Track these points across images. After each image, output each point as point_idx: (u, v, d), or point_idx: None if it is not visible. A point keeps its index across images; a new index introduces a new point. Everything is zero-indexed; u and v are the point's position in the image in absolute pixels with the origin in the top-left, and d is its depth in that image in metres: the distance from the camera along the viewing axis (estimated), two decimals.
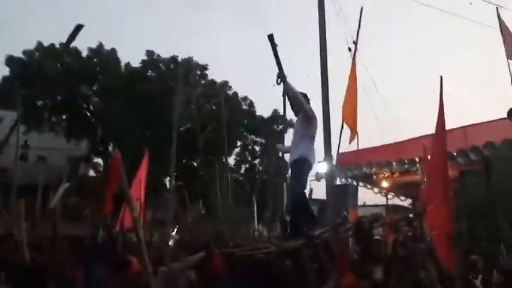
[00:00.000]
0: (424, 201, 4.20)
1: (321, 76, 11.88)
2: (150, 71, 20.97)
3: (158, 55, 21.06)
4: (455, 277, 2.51)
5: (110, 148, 21.43)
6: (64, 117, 21.11)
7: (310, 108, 5.29)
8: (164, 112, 16.36)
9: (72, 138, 21.00)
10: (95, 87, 21.20)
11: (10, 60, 19.80)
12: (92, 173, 23.08)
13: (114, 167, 3.99)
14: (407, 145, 10.36)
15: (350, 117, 6.92)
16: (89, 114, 21.48)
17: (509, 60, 9.63)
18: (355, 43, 8.29)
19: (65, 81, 19.43)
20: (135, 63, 20.96)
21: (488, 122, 9.66)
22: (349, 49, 11.69)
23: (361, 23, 7.61)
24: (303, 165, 5.09)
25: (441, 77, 4.34)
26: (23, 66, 19.75)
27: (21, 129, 19.92)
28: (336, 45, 12.73)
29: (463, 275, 3.04)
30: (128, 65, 21.23)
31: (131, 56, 22.32)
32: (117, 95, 19.07)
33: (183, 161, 21.57)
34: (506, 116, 8.66)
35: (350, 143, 6.87)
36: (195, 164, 22.38)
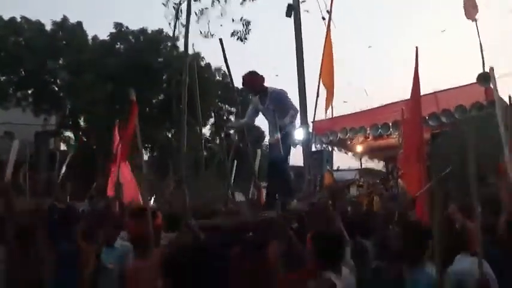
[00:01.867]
0: (401, 163, 4.29)
1: (296, 41, 11.75)
2: (118, 44, 20.37)
3: (127, 27, 20.44)
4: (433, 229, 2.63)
5: (81, 121, 20.94)
6: (30, 92, 20.38)
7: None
8: (134, 85, 15.96)
9: (40, 113, 20.35)
10: (61, 62, 20.46)
11: None
12: (63, 147, 22.60)
13: (131, 111, 4.20)
14: (381, 111, 10.52)
15: (327, 79, 6.95)
16: (56, 88, 20.80)
17: (471, 21, 9.80)
18: (329, 11, 8.29)
19: (29, 56, 18.66)
20: (103, 36, 20.33)
21: (459, 87, 9.88)
22: (323, 18, 11.65)
23: None
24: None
25: (416, 48, 4.46)
26: None
27: None
28: (311, 8, 12.64)
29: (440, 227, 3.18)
30: (95, 38, 20.53)
31: (98, 29, 21.58)
32: (85, 69, 18.50)
33: (157, 133, 21.34)
34: (476, 81, 8.89)
35: (327, 106, 6.90)
36: (169, 135, 22.21)
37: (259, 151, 7.05)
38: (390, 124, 9.65)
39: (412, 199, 4.26)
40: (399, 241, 2.92)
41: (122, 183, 5.45)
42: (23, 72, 19.82)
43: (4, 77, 19.81)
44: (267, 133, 5.82)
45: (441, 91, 9.84)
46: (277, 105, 5.31)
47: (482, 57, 9.78)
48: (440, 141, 7.53)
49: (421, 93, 8.59)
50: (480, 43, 9.94)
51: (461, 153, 6.30)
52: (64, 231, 4.11)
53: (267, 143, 5.91)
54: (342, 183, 5.56)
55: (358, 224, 3.96)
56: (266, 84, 5.50)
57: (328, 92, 7.05)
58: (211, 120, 23.48)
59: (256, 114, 5.74)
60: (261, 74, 5.55)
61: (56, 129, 21.54)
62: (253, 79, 5.49)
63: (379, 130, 9.87)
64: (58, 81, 20.77)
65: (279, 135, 5.12)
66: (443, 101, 9.41)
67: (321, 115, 8.38)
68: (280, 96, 5.39)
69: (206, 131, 23.53)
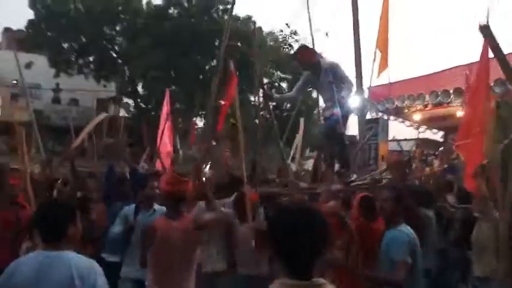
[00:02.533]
0: (461, 133, 4.08)
1: (352, 5, 11.21)
2: (172, 8, 20.50)
3: None
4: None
5: (138, 88, 21.60)
6: (91, 59, 21.23)
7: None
8: (187, 50, 16.17)
9: (100, 80, 21.22)
10: (118, 28, 21.02)
11: (33, 3, 19.69)
12: (122, 113, 23.55)
13: (231, 81, 4.35)
14: (441, 76, 9.97)
15: (382, 44, 6.68)
16: (115, 55, 21.49)
17: None
18: None
19: (88, 22, 19.30)
20: (157, 1, 20.52)
21: None
22: None
23: None
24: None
25: (488, 8, 4.10)
26: (47, 8, 19.65)
27: (51, 72, 20.37)
28: None
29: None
30: (149, 2, 20.78)
31: None
32: (140, 35, 18.88)
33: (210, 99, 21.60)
34: None
35: (380, 70, 6.65)
36: (222, 102, 22.41)
37: (301, 120, 7.01)
38: (451, 91, 9.12)
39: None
40: None
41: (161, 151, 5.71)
42: (83, 39, 20.61)
43: (66, 44, 20.72)
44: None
45: (509, 54, 9.11)
46: (334, 78, 5.22)
47: None
48: (504, 110, 7.04)
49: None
50: None
51: None
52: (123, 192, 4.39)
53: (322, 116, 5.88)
54: (405, 160, 5.43)
55: (421, 195, 4.02)
56: (321, 54, 5.45)
57: (382, 57, 6.78)
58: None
59: (305, 90, 5.75)
60: (312, 48, 5.48)
61: (116, 96, 22.44)
62: (305, 53, 5.47)
63: (439, 97, 9.37)
64: (116, 47, 21.44)
65: (338, 110, 5.04)
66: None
67: (377, 81, 8.10)
68: (335, 69, 5.30)
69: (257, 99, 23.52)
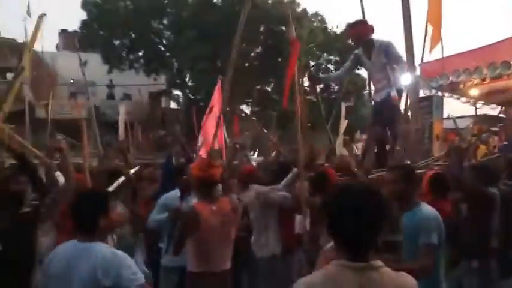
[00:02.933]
0: None
1: None
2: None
3: None
4: None
5: (187, 79, 22.06)
6: (141, 54, 21.92)
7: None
8: (232, 39, 16.22)
9: (151, 74, 21.88)
10: (165, 21, 21.49)
11: (85, 4, 20.59)
12: (173, 105, 24.15)
13: (293, 53, 4.36)
14: (499, 47, 9.31)
15: (434, 17, 6.29)
16: (163, 48, 22.04)
17: None
18: None
19: (136, 18, 19.89)
20: None
21: None
22: None
23: None
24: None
25: None
26: (98, 8, 20.47)
27: (105, 69, 21.28)
28: None
29: None
30: None
31: None
32: (187, 26, 19.20)
33: (257, 87, 21.67)
34: None
35: (432, 46, 6.27)
36: (268, 90, 22.40)
37: (343, 105, 6.80)
38: None
39: None
40: None
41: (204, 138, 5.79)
42: (132, 35, 21.29)
43: (117, 41, 21.52)
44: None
45: None
46: (388, 58, 5.00)
47: None
48: None
49: None
50: None
51: None
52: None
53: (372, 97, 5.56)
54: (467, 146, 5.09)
55: (486, 173, 3.84)
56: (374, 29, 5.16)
57: (434, 31, 6.43)
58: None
59: (353, 69, 5.50)
60: (369, 24, 5.22)
61: (166, 88, 23.08)
62: (361, 28, 5.19)
63: (498, 70, 8.77)
64: (164, 41, 21.98)
65: (395, 93, 4.86)
66: None
67: (429, 57, 7.73)
68: (388, 48, 5.03)
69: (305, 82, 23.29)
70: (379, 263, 1.56)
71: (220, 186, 3.46)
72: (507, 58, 8.65)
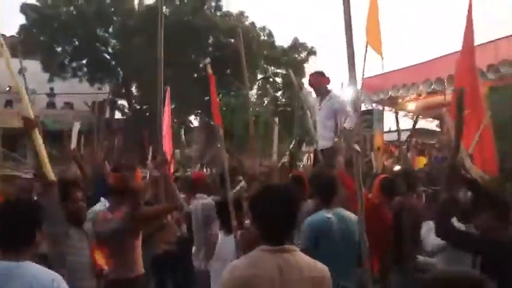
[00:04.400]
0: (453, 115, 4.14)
1: None
2: (164, 7, 20.47)
3: None
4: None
5: (133, 89, 21.59)
6: (84, 62, 21.21)
7: None
8: (181, 49, 16.14)
9: (95, 83, 21.19)
10: (111, 29, 20.99)
11: (25, 8, 19.64)
12: (118, 115, 23.48)
13: (211, 86, 4.53)
14: (434, 64, 9.96)
15: (373, 37, 6.62)
16: (108, 57, 21.47)
17: None
18: None
19: (80, 25, 19.27)
20: (149, 1, 20.49)
21: None
22: None
23: None
24: None
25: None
26: (38, 12, 19.60)
27: (45, 76, 20.31)
28: None
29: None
30: (141, 2, 20.75)
31: None
32: (133, 35, 18.87)
33: (206, 98, 21.59)
34: None
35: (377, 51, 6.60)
36: (218, 100, 22.42)
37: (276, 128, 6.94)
38: (445, 79, 9.13)
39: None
40: None
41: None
42: (76, 42, 20.57)
43: (59, 48, 20.69)
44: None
45: (501, 38, 9.14)
46: (339, 109, 5.27)
47: None
48: (499, 95, 7.09)
49: (479, 43, 8.07)
50: None
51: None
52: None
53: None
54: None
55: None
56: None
57: (374, 45, 6.78)
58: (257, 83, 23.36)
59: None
60: (327, 75, 5.58)
61: (111, 98, 22.43)
62: (320, 79, 5.50)
63: (433, 86, 9.37)
64: (109, 49, 21.42)
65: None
66: (503, 51, 8.74)
67: (370, 72, 8.11)
68: (343, 104, 5.30)
69: (253, 93, 23.55)
70: (293, 247, 1.97)
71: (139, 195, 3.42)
72: (441, 75, 9.26)
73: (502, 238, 2.44)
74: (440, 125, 11.07)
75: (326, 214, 3.18)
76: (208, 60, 5.17)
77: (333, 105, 5.30)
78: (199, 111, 21.89)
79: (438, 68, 9.61)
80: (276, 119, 6.17)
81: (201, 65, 21.41)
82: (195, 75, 19.89)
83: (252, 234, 3.42)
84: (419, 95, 9.98)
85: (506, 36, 9.30)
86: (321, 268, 1.97)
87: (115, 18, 20.47)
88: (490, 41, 9.08)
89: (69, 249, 3.07)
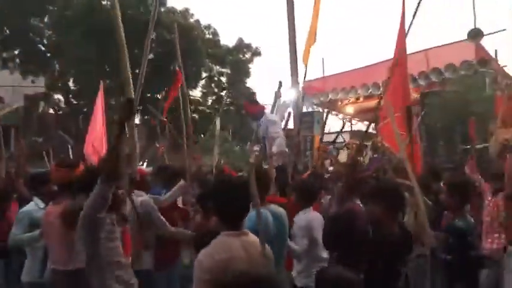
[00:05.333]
0: (383, 118, 4.39)
1: (287, 4, 11.45)
2: (105, 1, 19.71)
3: None
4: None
5: (70, 83, 20.58)
6: (16, 52, 19.87)
7: None
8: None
9: (28, 75, 19.93)
10: (46, 20, 19.84)
11: None
12: (51, 110, 22.29)
13: (175, 82, 4.68)
14: (372, 70, 10.45)
15: (309, 39, 6.88)
16: (43, 48, 20.28)
17: None
18: None
19: (13, 13, 18.04)
20: None
21: (449, 44, 9.82)
22: None
23: None
24: None
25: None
26: None
27: None
28: None
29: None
30: None
31: None
32: (72, 27, 17.96)
33: (148, 95, 21.08)
34: (466, 38, 8.83)
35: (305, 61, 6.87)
36: (159, 97, 21.97)
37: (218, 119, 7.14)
38: (381, 83, 9.60)
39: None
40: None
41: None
42: (7, 31, 19.25)
43: None
44: None
45: (431, 48, 9.78)
46: (267, 135, 5.69)
47: (474, 13, 9.66)
48: (430, 100, 7.59)
49: (412, 51, 8.56)
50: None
51: (449, 112, 6.43)
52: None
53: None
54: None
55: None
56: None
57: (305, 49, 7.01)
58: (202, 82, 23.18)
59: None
60: (261, 103, 6.13)
61: (45, 92, 21.21)
62: (252, 108, 5.97)
63: (370, 90, 9.83)
64: (45, 40, 20.25)
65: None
66: (433, 59, 9.37)
67: (311, 75, 8.35)
68: (273, 127, 5.74)
69: (197, 93, 23.31)
70: (247, 231, 2.32)
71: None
72: (377, 80, 9.73)
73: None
74: (375, 128, 11.61)
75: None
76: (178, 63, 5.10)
77: (263, 130, 5.67)
78: (141, 107, 21.32)
79: (375, 73, 10.10)
80: (218, 119, 6.25)
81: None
82: (137, 70, 19.33)
83: (204, 226, 3.47)
84: (357, 99, 10.42)
85: (437, 46, 9.98)
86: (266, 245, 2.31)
87: (51, 8, 19.36)
88: (422, 50, 9.68)
89: None
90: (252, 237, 2.31)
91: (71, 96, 20.74)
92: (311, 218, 3.73)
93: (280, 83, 6.26)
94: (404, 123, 4.28)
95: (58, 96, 21.52)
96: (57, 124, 19.00)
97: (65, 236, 3.11)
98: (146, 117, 21.75)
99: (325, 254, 3.57)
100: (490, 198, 4.36)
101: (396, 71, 4.39)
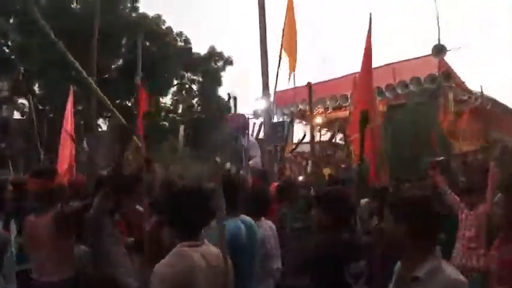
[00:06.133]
0: (351, 130, 4.50)
1: (259, 13, 11.52)
2: (74, 4, 19.33)
3: None
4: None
5: (35, 87, 20.00)
6: None
7: None
8: (92, 48, 15.33)
9: None
10: (11, 21, 19.24)
11: None
12: (16, 115, 21.55)
13: (140, 96, 4.78)
14: (340, 82, 10.68)
15: (290, 49, 7.00)
16: (7, 50, 19.64)
17: None
18: None
19: None
20: None
21: (415, 58, 10.17)
22: None
23: None
24: None
25: (370, 14, 4.50)
26: None
27: None
28: None
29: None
30: None
31: None
32: (37, 29, 17.47)
33: (117, 101, 20.73)
34: (431, 53, 9.18)
35: (290, 73, 7.03)
36: (129, 105, 21.64)
37: (181, 127, 7.21)
38: (349, 95, 9.82)
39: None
40: None
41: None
42: None
43: None
44: None
45: (398, 62, 10.11)
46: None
47: (438, 30, 10.05)
48: (394, 113, 7.83)
49: (380, 65, 8.80)
50: (437, 16, 10.19)
51: (411, 125, 6.66)
52: None
53: None
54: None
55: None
56: None
57: (291, 60, 7.12)
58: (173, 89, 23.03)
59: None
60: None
61: (9, 96, 20.51)
62: (235, 120, 6.40)
63: (338, 101, 10.04)
64: (9, 42, 19.62)
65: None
66: (400, 73, 9.67)
67: (282, 85, 8.45)
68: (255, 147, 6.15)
69: (168, 100, 23.12)
70: (205, 241, 2.22)
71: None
72: (346, 92, 9.95)
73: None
74: (344, 139, 11.85)
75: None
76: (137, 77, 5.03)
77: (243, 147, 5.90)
78: (109, 114, 20.93)
79: (343, 85, 10.33)
80: (182, 127, 6.22)
81: (113, 67, 20.56)
82: (106, 75, 19.03)
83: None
84: (326, 109, 10.61)
85: (404, 60, 10.32)
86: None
87: (18, 7, 18.81)
88: (390, 64, 9.98)
89: None
90: (212, 248, 2.22)
91: (35, 101, 20.13)
92: (264, 229, 3.58)
93: (229, 94, 6.37)
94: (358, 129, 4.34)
95: (22, 101, 20.87)
96: (21, 129, 18.37)
97: (57, 245, 3.11)
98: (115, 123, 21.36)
99: (275, 265, 3.61)
100: (467, 212, 4.22)
101: (361, 83, 4.52)
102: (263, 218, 3.69)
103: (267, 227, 3.65)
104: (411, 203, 1.90)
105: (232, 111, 5.80)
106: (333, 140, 12.28)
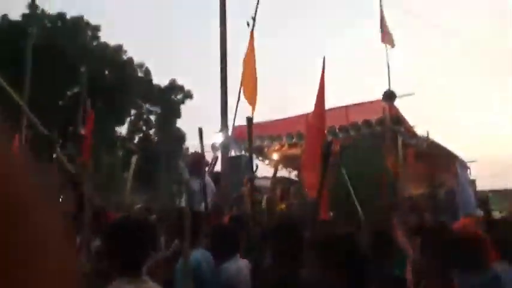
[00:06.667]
0: (303, 167, 4.65)
1: (220, 48, 11.88)
2: (32, 27, 18.96)
3: (42, 10, 19.13)
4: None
5: None
6: None
7: None
8: (48, 74, 15.04)
9: None
10: None
11: None
12: None
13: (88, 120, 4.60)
14: (296, 120, 11.00)
15: (249, 90, 7.21)
16: None
17: (384, 44, 10.86)
18: (254, 18, 8.63)
19: None
20: (15, 16, 18.85)
21: (367, 102, 10.72)
22: (248, 24, 11.92)
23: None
24: None
25: (324, 58, 4.77)
26: None
27: None
28: (235, 15, 12.82)
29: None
30: (5, 17, 18.97)
31: (9, 8, 19.90)
32: None
33: (71, 128, 20.19)
34: (382, 98, 9.72)
35: (252, 111, 7.24)
36: (82, 132, 21.09)
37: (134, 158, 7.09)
38: (304, 133, 10.11)
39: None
40: None
41: None
42: None
43: None
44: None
45: (352, 105, 10.61)
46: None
47: (389, 76, 10.69)
48: (345, 153, 8.16)
49: (335, 106, 9.19)
50: (388, 64, 10.89)
51: (357, 166, 6.98)
52: None
53: None
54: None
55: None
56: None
57: (251, 103, 7.32)
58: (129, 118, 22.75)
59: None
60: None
61: None
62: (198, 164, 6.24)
63: (294, 139, 10.32)
64: None
65: None
66: (352, 115, 10.12)
67: (240, 120, 8.64)
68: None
69: (123, 129, 22.78)
70: (146, 277, 2.11)
71: None
72: (301, 129, 10.27)
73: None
74: (299, 175, 12.08)
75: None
76: (88, 101, 5.08)
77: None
78: (62, 141, 20.25)
79: (300, 123, 10.65)
80: (135, 157, 6.08)
81: (69, 93, 20.12)
82: (60, 102, 18.58)
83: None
84: (282, 146, 10.87)
85: (357, 104, 10.86)
86: None
87: None
88: (343, 106, 10.46)
89: None
90: (155, 285, 2.12)
91: None
92: (240, 268, 3.35)
93: (200, 129, 6.37)
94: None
95: None
96: None
97: None
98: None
99: None
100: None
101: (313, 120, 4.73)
102: (238, 255, 3.46)
103: (243, 266, 3.41)
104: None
105: (199, 143, 5.78)
106: (289, 176, 12.48)
